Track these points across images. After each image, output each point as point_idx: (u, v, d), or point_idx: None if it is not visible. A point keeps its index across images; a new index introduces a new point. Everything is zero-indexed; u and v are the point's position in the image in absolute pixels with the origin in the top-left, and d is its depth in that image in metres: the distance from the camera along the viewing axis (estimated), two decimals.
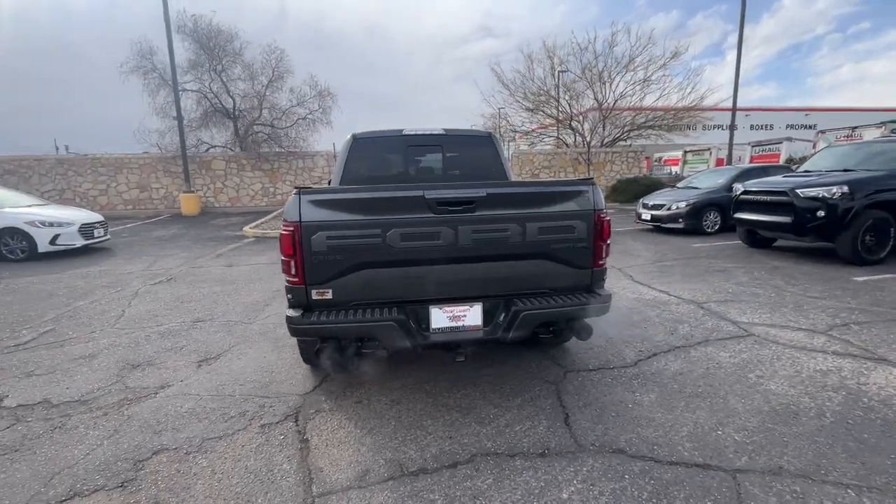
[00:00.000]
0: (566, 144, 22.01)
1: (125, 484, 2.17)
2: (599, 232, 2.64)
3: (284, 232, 2.41)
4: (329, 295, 2.48)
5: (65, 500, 2.07)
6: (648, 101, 20.90)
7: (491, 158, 4.26)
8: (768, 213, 6.88)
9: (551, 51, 20.50)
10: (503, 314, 2.60)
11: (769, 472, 2.10)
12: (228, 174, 18.44)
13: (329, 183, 4.49)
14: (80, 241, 8.72)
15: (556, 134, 23.11)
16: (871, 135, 14.62)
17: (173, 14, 15.67)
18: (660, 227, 10.14)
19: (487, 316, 2.64)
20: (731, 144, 17.57)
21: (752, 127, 40.66)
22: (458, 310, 2.58)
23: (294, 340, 3.41)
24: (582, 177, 18.85)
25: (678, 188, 11.43)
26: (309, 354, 3.09)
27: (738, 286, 5.37)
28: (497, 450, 2.35)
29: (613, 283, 5.74)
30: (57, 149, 29.48)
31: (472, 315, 2.60)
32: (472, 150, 4.31)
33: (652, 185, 15.65)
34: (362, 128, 4.24)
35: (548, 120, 22.47)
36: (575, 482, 2.08)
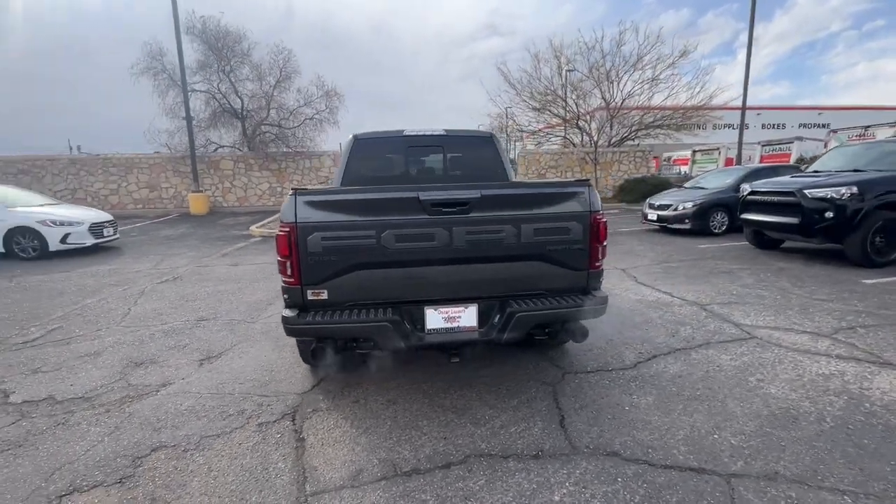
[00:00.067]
0: (573, 144, 21.90)
1: (123, 480, 2.21)
2: (596, 233, 2.63)
3: (280, 233, 2.43)
4: (324, 295, 2.50)
5: (64, 496, 2.11)
6: (657, 100, 20.75)
7: (492, 159, 4.26)
8: (775, 214, 6.79)
9: (558, 50, 20.42)
10: (498, 315, 2.60)
11: (764, 477, 2.07)
12: (236, 174, 18.62)
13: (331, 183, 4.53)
14: (89, 240, 8.87)
15: (563, 133, 23.00)
16: (883, 134, 14.35)
17: (182, 16, 15.87)
18: (666, 227, 10.05)
19: (483, 317, 2.64)
20: (740, 144, 17.36)
21: (763, 126, 40.08)
22: (453, 311, 2.59)
23: (294, 340, 3.44)
24: (589, 176, 18.82)
25: (685, 188, 11.33)
26: (307, 354, 3.12)
27: (743, 288, 5.31)
28: (491, 451, 2.35)
29: (616, 283, 5.71)
30: (70, 149, 30.02)
31: (467, 316, 2.61)
32: (473, 151, 4.32)
33: (660, 185, 15.53)
34: (369, 127, 4.28)
35: (555, 119, 22.37)
36: (567, 484, 2.08)
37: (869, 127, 15.57)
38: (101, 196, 17.62)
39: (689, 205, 9.58)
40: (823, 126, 33.25)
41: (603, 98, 20.40)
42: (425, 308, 2.58)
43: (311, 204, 2.41)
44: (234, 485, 2.15)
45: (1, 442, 2.56)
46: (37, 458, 2.40)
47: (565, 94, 20.63)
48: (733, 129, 19.01)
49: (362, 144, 4.14)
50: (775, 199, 6.80)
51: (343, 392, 3.06)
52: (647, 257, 7.43)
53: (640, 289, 5.45)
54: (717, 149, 23.41)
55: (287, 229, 2.40)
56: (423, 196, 2.43)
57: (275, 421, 2.72)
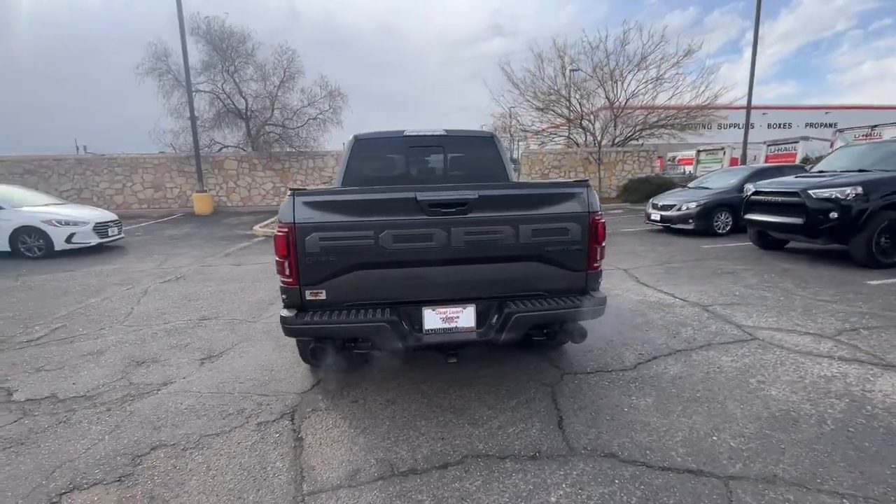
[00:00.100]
0: (577, 144, 21.84)
1: (123, 479, 2.22)
2: (594, 234, 2.62)
3: (279, 233, 2.44)
4: (323, 295, 2.51)
5: (64, 493, 2.13)
6: (661, 99, 20.67)
7: (492, 159, 4.26)
8: (779, 214, 6.74)
9: (562, 50, 20.39)
10: (496, 316, 2.60)
11: (763, 479, 2.06)
12: (240, 174, 18.71)
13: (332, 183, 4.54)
14: (94, 240, 8.94)
15: (566, 133, 22.95)
16: (890, 133, 14.20)
17: (187, 16, 15.96)
18: (669, 227, 10.00)
19: (481, 318, 2.64)
20: (745, 143, 17.24)
21: (769, 125, 39.83)
22: (451, 311, 2.59)
23: (294, 340, 3.45)
24: (592, 176, 18.76)
25: (689, 188, 11.26)
26: (307, 354, 3.13)
27: (745, 289, 5.28)
28: (488, 451, 2.35)
29: (618, 284, 5.69)
30: (77, 149, 30.25)
31: (465, 317, 2.61)
32: (474, 151, 4.31)
33: (663, 185, 15.47)
34: (374, 127, 4.29)
35: (558, 119, 22.32)
36: (564, 486, 2.07)
37: (875, 126, 15.41)
38: (106, 196, 17.75)
39: (693, 205, 9.53)
40: (830, 125, 33.01)
41: (607, 98, 20.36)
42: (423, 308, 2.58)
43: (310, 204, 2.42)
44: (232, 484, 2.16)
45: (3, 440, 2.59)
46: (38, 455, 2.42)
47: (569, 93, 20.59)
48: (738, 128, 18.85)
49: (363, 145, 4.15)
50: (779, 199, 6.75)
51: (342, 392, 3.07)
52: (650, 258, 7.39)
53: (642, 289, 5.43)
54: (722, 148, 23.26)
55: (285, 230, 2.41)
56: (421, 196, 2.43)
57: (274, 420, 2.73)
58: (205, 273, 7.09)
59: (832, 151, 9.51)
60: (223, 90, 18.61)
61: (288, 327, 2.50)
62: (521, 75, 21.28)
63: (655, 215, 10.27)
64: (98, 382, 3.30)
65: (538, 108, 21.80)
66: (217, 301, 5.43)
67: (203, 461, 2.34)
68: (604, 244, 2.70)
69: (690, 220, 9.49)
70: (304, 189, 2.50)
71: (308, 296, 2.50)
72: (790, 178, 7.18)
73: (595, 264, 2.69)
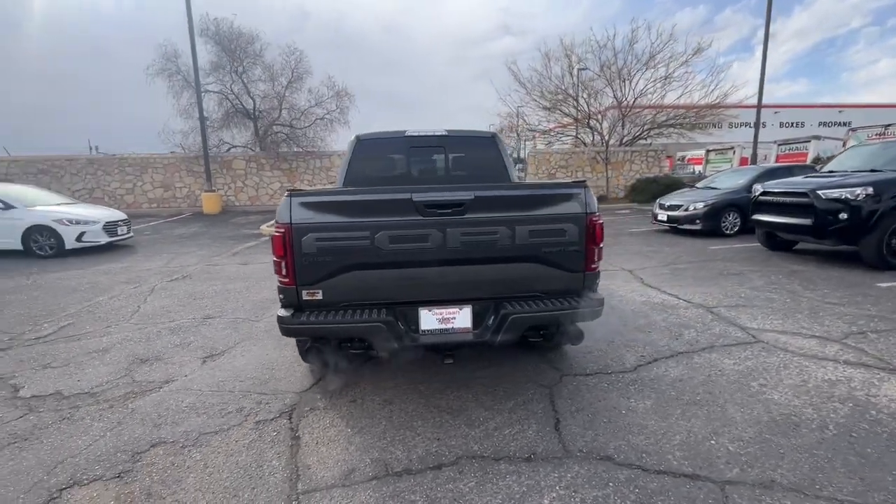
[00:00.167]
0: (584, 143, 21.70)
1: (122, 475, 2.26)
2: (592, 235, 2.60)
3: (276, 233, 2.46)
4: (319, 296, 2.52)
5: (65, 489, 2.16)
6: (670, 98, 20.45)
7: (494, 159, 4.25)
8: (788, 215, 6.64)
9: (569, 49, 20.28)
10: (492, 317, 2.59)
11: (760, 484, 2.03)
12: (248, 173, 18.88)
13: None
14: (104, 239, 9.08)
15: (574, 133, 22.81)
16: None
17: (196, 18, 16.14)
18: (676, 228, 9.90)
19: (477, 318, 2.63)
20: (755, 143, 17.00)
21: (781, 124, 39.18)
22: (447, 312, 2.59)
23: (294, 339, 3.48)
24: (600, 176, 18.62)
25: (697, 188, 11.15)
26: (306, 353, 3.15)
27: (752, 290, 5.21)
28: (483, 453, 2.35)
29: (622, 285, 5.65)
30: (91, 149, 30.74)
31: (461, 317, 2.60)
32: (475, 151, 4.31)
33: (672, 185, 15.31)
34: (381, 127, 4.31)
35: (565, 119, 22.21)
36: (557, 488, 2.06)
37: (890, 125, 15.11)
38: (117, 195, 18.01)
39: (700, 205, 9.43)
40: (844, 124, 32.45)
41: (614, 97, 20.21)
42: (419, 309, 2.58)
43: (306, 205, 2.44)
44: (229, 481, 2.19)
45: (8, 435, 2.64)
46: (41, 451, 2.47)
47: (576, 93, 20.47)
48: (749, 127, 18.59)
49: (365, 145, 4.16)
50: (788, 199, 6.65)
51: (341, 391, 3.08)
52: (656, 259, 7.33)
53: (646, 290, 5.38)
54: (732, 148, 22.95)
55: (282, 230, 2.43)
56: (417, 197, 2.44)
57: (272, 419, 2.75)
58: (211, 272, 7.16)
59: (843, 151, 9.35)
60: (232, 91, 18.80)
61: (285, 327, 2.52)
62: (527, 75, 21.21)
63: (662, 215, 10.17)
64: (102, 380, 3.36)
65: (545, 108, 21.71)
66: (222, 300, 5.49)
67: (201, 458, 2.37)
68: (601, 245, 2.69)
69: (698, 221, 9.39)
70: (301, 190, 2.51)
71: (305, 296, 2.52)
72: (799, 179, 7.07)
73: (593, 265, 2.67)
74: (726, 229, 9.33)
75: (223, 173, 18.61)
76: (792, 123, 39.98)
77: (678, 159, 30.12)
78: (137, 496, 2.10)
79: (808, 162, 16.74)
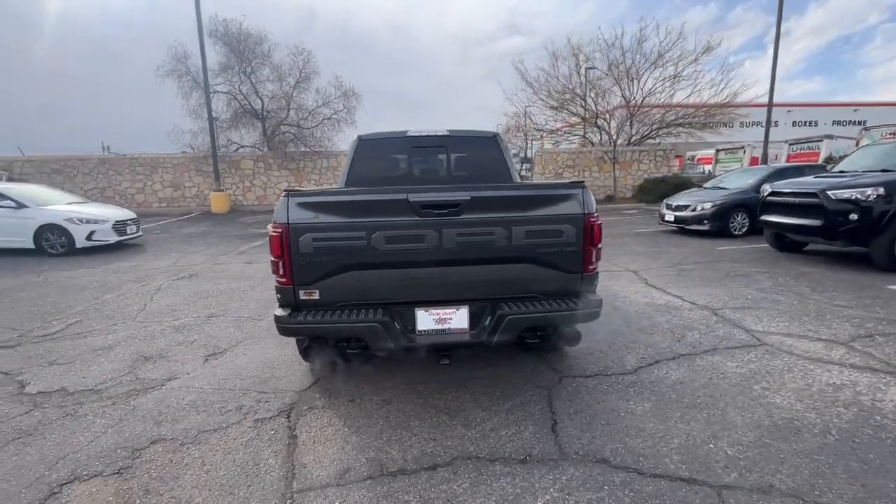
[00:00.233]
0: (591, 143, 21.57)
1: (121, 471, 2.29)
2: (590, 236, 2.58)
3: (273, 233, 2.47)
4: (316, 295, 2.53)
5: (65, 484, 2.20)
6: (679, 97, 20.25)
7: (495, 159, 4.23)
8: (797, 216, 6.54)
9: (577, 48, 20.18)
10: (489, 318, 2.58)
11: (758, 490, 2.00)
12: (256, 173, 19.05)
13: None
14: (113, 238, 9.22)
15: (581, 132, 22.69)
16: None
17: (206, 19, 16.31)
18: (684, 228, 9.80)
19: (474, 319, 2.63)
20: (766, 142, 16.77)
21: (794, 123, 38.56)
22: (443, 312, 2.59)
23: (294, 338, 3.50)
24: (607, 176, 18.49)
25: (705, 188, 11.02)
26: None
27: (758, 292, 5.14)
28: (479, 454, 2.34)
29: (626, 286, 5.61)
30: (103, 149, 31.23)
31: (458, 318, 2.60)
32: (477, 151, 4.30)
33: (680, 185, 15.18)
34: (388, 127, 4.32)
35: (573, 118, 22.09)
36: (552, 491, 2.05)
37: None
38: (128, 195, 18.28)
39: (708, 205, 9.32)
40: (859, 123, 31.82)
41: (622, 96, 20.06)
42: (416, 309, 2.58)
43: (304, 205, 2.45)
44: (225, 479, 2.21)
45: (13, 430, 2.69)
46: (43, 447, 2.51)
47: (584, 92, 20.34)
48: (761, 126, 18.32)
49: (366, 145, 4.18)
50: (797, 200, 6.55)
51: (340, 390, 3.09)
52: (661, 259, 7.26)
53: (651, 291, 5.33)
54: (742, 147, 22.65)
55: (279, 230, 2.44)
56: (413, 198, 2.44)
57: (271, 417, 2.77)
58: (217, 271, 7.24)
59: (855, 150, 9.18)
60: (240, 91, 18.99)
61: (282, 326, 2.53)
62: (535, 74, 21.18)
63: (669, 216, 10.07)
64: (106, 377, 3.41)
65: (552, 107, 21.64)
66: (226, 298, 5.54)
67: (199, 456, 2.40)
68: (600, 246, 2.66)
69: (705, 221, 9.29)
70: (299, 190, 2.53)
71: (302, 295, 2.54)
72: (809, 179, 6.95)
73: (591, 266, 2.65)
74: (734, 230, 9.21)
75: (231, 173, 18.80)
76: (805, 122, 39.34)
77: (688, 159, 29.84)
78: (135, 492, 2.13)
79: (820, 161, 16.45)
